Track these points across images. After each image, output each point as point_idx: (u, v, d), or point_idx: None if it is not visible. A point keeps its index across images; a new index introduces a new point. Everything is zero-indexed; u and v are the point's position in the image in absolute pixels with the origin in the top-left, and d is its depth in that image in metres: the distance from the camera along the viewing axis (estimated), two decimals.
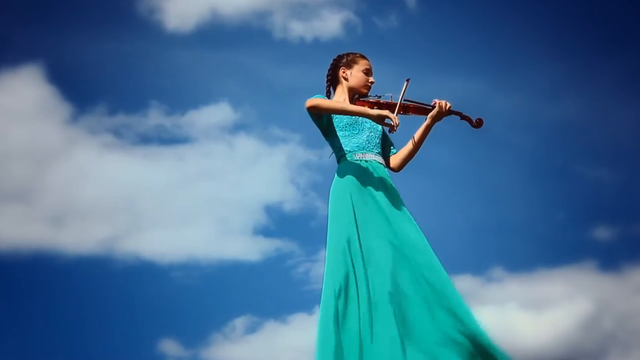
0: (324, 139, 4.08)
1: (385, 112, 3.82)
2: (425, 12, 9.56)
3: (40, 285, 8.65)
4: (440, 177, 9.19)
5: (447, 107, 3.99)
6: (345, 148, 3.99)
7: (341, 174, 3.93)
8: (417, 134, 4.06)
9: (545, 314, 8.59)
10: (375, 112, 3.82)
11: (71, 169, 9.13)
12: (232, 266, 8.82)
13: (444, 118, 4.03)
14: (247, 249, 8.89)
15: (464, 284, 8.27)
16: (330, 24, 9.45)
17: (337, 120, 4.00)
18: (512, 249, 8.99)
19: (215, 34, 9.47)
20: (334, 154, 4.04)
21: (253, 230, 8.99)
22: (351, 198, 3.86)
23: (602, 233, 8.98)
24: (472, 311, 3.76)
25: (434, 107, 4.02)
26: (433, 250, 3.86)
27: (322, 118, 3.99)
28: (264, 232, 8.95)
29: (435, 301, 3.72)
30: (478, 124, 4.05)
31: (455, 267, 8.50)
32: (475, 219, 9.11)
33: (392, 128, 3.82)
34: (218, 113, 9.39)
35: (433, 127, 4.05)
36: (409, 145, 4.08)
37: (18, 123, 9.19)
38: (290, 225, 8.99)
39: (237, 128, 9.36)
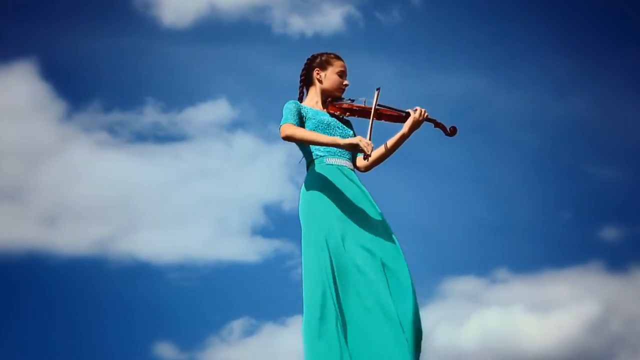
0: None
1: (356, 140, 3.76)
2: (428, 7, 9.61)
3: (33, 287, 8.64)
4: (443, 175, 9.18)
5: (423, 116, 3.97)
6: (315, 153, 3.96)
7: (311, 180, 3.91)
8: (391, 141, 4.03)
9: (552, 316, 8.61)
10: (345, 142, 3.79)
11: (65, 167, 9.11)
12: (229, 267, 8.84)
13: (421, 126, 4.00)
14: (245, 249, 8.89)
15: (467, 286, 8.80)
16: (331, 19, 9.42)
17: (309, 125, 3.95)
18: (517, 250, 9.01)
19: (213, 29, 9.49)
20: (304, 158, 4.01)
21: (251, 231, 9.00)
22: (322, 203, 3.84)
23: (610, 233, 8.96)
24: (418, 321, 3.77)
25: (408, 114, 3.98)
26: (404, 255, 3.85)
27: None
28: (263, 232, 8.96)
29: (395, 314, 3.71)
30: (452, 132, 4.04)
31: (458, 268, 8.78)
32: (479, 219, 9.14)
33: (365, 154, 3.77)
34: (216, 110, 9.37)
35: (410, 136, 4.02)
36: (381, 150, 4.05)
37: (10, 120, 9.19)
38: (289, 225, 8.83)
39: (235, 125, 9.37)
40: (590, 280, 8.79)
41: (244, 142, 9.32)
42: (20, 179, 8.94)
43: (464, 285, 8.81)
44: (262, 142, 9.31)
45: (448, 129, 4.04)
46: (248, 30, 9.44)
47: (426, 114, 3.97)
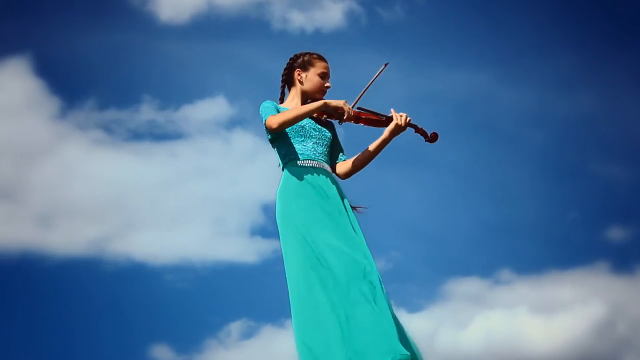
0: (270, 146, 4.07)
1: (341, 103, 3.84)
2: (431, 2, 9.62)
3: (27, 288, 8.59)
4: (446, 174, 9.14)
5: (406, 121, 3.95)
6: (290, 155, 3.95)
7: (286, 181, 3.91)
8: (372, 146, 4.00)
9: (556, 318, 8.59)
10: (333, 103, 3.84)
11: (59, 166, 9.07)
12: (227, 268, 8.81)
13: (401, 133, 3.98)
14: (244, 250, 8.86)
15: (470, 287, 8.80)
16: (332, 15, 9.40)
17: None
18: (521, 250, 9.02)
19: (211, 25, 9.45)
20: (280, 162, 4.00)
21: (250, 231, 8.96)
22: (298, 204, 3.84)
23: (616, 233, 8.93)
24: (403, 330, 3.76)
25: (390, 119, 3.96)
26: (374, 257, 3.84)
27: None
28: (262, 232, 8.91)
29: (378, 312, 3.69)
30: (432, 138, 4.03)
31: (461, 269, 8.80)
32: (483, 219, 9.12)
33: (343, 118, 3.85)
34: (213, 108, 9.35)
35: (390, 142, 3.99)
36: (361, 156, 4.03)
37: (4, 118, 9.15)
38: None
39: (233, 123, 9.34)
40: (596, 281, 8.79)
41: (243, 140, 9.34)
42: (14, 178, 8.93)
43: (467, 286, 8.83)
44: (261, 140, 9.01)
45: (429, 135, 4.02)
46: (247, 26, 9.45)
47: (408, 119, 3.94)
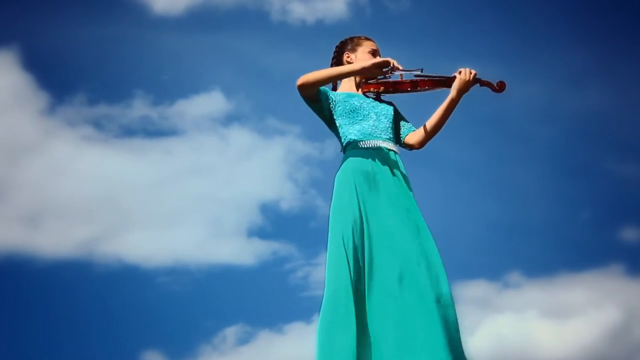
0: (329, 130, 4.06)
1: (381, 60, 3.82)
2: None
3: (13, 291, 8.55)
4: (452, 172, 9.11)
5: (471, 76, 3.91)
6: (349, 137, 3.94)
7: (345, 165, 3.89)
8: (441, 109, 3.97)
9: (568, 323, 8.56)
10: (370, 62, 3.83)
11: (48, 164, 9.06)
12: (224, 271, 8.77)
13: (470, 88, 3.95)
14: (241, 251, 8.84)
15: (478, 290, 8.71)
16: (335, 5, 9.40)
17: (340, 108, 3.95)
18: (531, 252, 8.96)
19: (207, 16, 9.38)
20: (340, 145, 4.00)
21: (247, 232, 8.93)
22: (356, 190, 3.80)
23: (630, 234, 8.87)
24: (464, 339, 3.75)
25: (452, 78, 3.94)
26: (438, 248, 3.84)
27: (322, 106, 3.95)
28: (260, 233, 8.89)
29: (437, 316, 3.68)
30: (500, 87, 3.96)
31: (469, 271, 8.46)
32: (491, 219, 9.07)
33: (392, 69, 3.82)
34: (209, 103, 9.31)
35: (460, 101, 3.97)
36: (432, 121, 3.99)
37: None
38: (288, 225, 8.94)
39: (230, 119, 9.30)
40: (610, 284, 8.75)
41: (240, 136, 9.29)
42: (0, 176, 8.88)
43: (475, 290, 8.75)
44: (259, 136, 9.32)
45: (496, 85, 3.95)
46: (245, 17, 9.43)
47: (474, 73, 3.91)
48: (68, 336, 8.22)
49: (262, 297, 8.56)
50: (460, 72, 3.90)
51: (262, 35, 9.42)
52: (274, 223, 8.91)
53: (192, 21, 9.30)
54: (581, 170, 9.24)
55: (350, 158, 3.87)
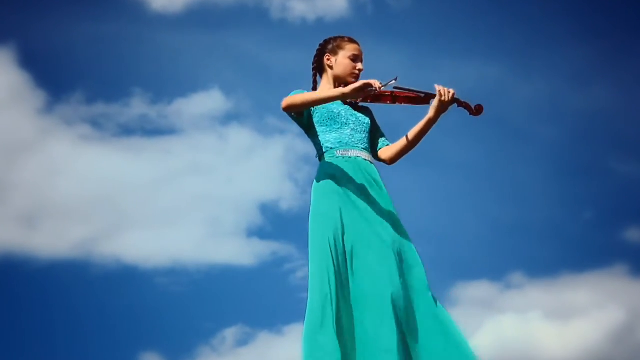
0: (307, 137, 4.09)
1: (360, 83, 3.74)
2: None
3: (10, 292, 8.54)
4: (453, 172, 9.12)
5: (450, 96, 3.85)
6: (326, 145, 3.93)
7: (322, 173, 3.88)
8: (418, 128, 3.93)
9: (572, 324, 8.54)
10: (350, 87, 3.75)
11: (45, 163, 9.05)
12: (223, 271, 8.77)
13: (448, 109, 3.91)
14: (240, 252, 8.83)
15: (480, 291, 8.75)
16: (335, 3, 9.39)
17: (318, 114, 3.94)
18: (534, 252, 8.95)
19: (206, 14, 9.38)
20: (316, 152, 4.00)
21: (247, 232, 8.93)
22: (335, 198, 3.80)
23: (634, 234, 8.85)
24: (466, 337, 3.75)
25: (429, 95, 3.90)
26: (419, 254, 3.86)
27: (303, 115, 3.96)
28: (259, 233, 8.88)
29: (430, 320, 3.72)
30: (477, 110, 3.92)
31: (470, 272, 8.61)
32: (493, 219, 9.07)
33: (376, 90, 3.74)
34: (208, 101, 9.29)
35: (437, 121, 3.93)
36: (407, 139, 3.97)
37: None
38: (287, 226, 8.90)
39: (229, 118, 9.29)
40: (614, 284, 8.75)
41: (239, 135, 9.28)
42: None
43: (477, 290, 8.79)
44: (258, 136, 9.32)
45: (473, 108, 3.90)
46: (244, 15, 9.42)
47: (452, 93, 3.86)
48: (65, 338, 8.23)
49: (262, 298, 8.55)
50: (439, 92, 3.84)
51: (262, 33, 9.44)
52: (273, 223, 8.94)
53: (191, 18, 9.32)
54: (584, 169, 9.26)
55: (328, 166, 3.86)
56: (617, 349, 8.22)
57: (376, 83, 3.70)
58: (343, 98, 3.79)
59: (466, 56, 9.29)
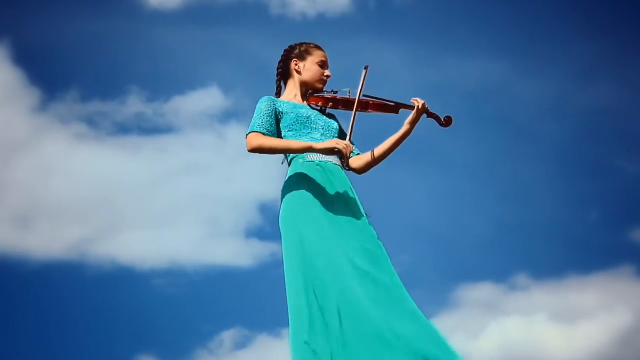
0: None
1: (333, 144, 3.80)
2: None
3: (4, 294, 8.53)
4: (457, 172, 9.15)
5: (424, 108, 3.93)
6: None
7: (291, 178, 3.91)
8: (393, 140, 4.00)
9: (578, 326, 8.55)
10: (320, 146, 3.82)
11: (39, 162, 9.08)
12: (221, 273, 8.80)
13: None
14: (239, 253, 8.86)
15: (484, 293, 8.78)
16: None
17: (287, 119, 3.98)
18: (538, 254, 8.97)
19: (204, 10, 9.43)
20: (284, 157, 4.06)
21: (246, 232, 8.95)
22: (300, 207, 3.83)
23: None
24: (438, 328, 3.74)
25: (399, 105, 3.95)
26: (392, 261, 3.86)
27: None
28: (258, 234, 8.91)
29: (399, 320, 3.70)
30: (447, 122, 4.01)
31: (474, 274, 9.02)
32: (497, 220, 9.11)
33: (343, 161, 3.83)
34: (206, 99, 9.32)
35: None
36: (380, 150, 4.02)
37: None
38: None
39: (228, 116, 9.31)
40: (621, 286, 8.75)
41: (238, 134, 9.06)
42: None
43: (481, 292, 8.81)
44: None
45: (442, 119, 3.98)
46: (243, 11, 9.46)
47: (423, 102, 3.93)
48: (60, 340, 8.26)
49: (261, 300, 8.53)
50: (414, 104, 3.91)
51: (261, 30, 9.47)
52: (273, 224, 8.94)
53: (189, 15, 9.37)
54: (590, 168, 9.30)
55: (298, 171, 3.89)
56: (625, 351, 8.20)
57: (347, 149, 3.76)
58: (310, 151, 3.85)
59: (470, 53, 9.40)
